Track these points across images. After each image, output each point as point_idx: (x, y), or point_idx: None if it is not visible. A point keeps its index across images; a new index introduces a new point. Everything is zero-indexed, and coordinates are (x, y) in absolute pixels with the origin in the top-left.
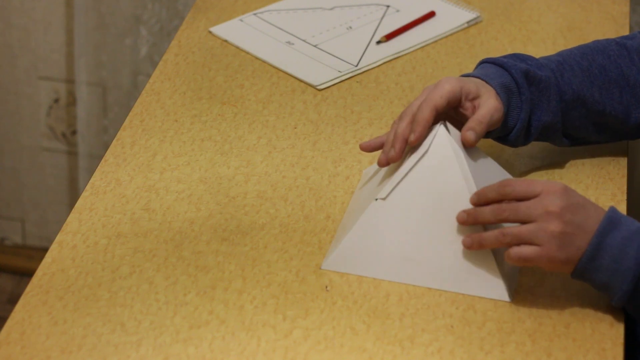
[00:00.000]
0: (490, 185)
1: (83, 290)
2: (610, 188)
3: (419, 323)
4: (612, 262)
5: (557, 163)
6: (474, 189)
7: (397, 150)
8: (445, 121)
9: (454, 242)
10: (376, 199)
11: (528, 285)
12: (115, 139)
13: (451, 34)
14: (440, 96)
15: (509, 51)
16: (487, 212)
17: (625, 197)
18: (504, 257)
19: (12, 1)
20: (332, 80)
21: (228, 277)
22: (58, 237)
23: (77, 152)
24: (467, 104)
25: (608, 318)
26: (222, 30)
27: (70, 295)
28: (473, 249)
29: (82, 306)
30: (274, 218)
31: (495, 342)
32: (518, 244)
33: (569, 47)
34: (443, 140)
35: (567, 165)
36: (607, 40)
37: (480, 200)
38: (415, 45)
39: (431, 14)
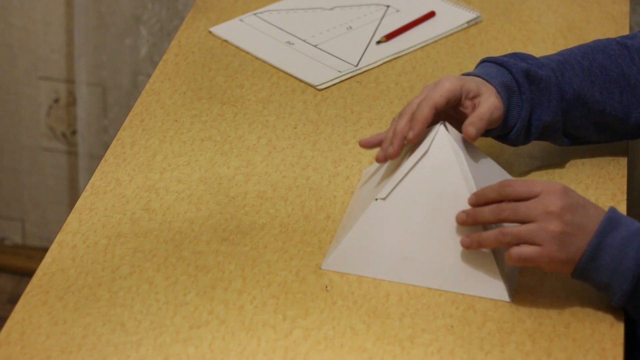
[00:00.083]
0: (490, 185)
1: (83, 290)
2: (610, 188)
3: (419, 323)
4: (612, 262)
5: (557, 163)
6: (474, 189)
7: (396, 147)
8: (445, 121)
9: (454, 242)
10: (376, 199)
11: (528, 285)
12: (115, 139)
13: (451, 34)
14: (440, 95)
15: (509, 51)
16: (487, 212)
17: (625, 197)
18: (504, 257)
19: (12, 1)
20: (332, 80)
21: (228, 277)
22: (58, 237)
23: (77, 152)
24: (467, 103)
25: (608, 318)
26: (222, 30)
27: (70, 295)
28: (472, 248)
29: (82, 306)
30: (274, 218)
31: (495, 342)
32: (518, 244)
33: (569, 47)
34: (443, 141)
35: (567, 165)
36: (607, 39)
37: (480, 201)
38: (415, 45)
39: (431, 14)
